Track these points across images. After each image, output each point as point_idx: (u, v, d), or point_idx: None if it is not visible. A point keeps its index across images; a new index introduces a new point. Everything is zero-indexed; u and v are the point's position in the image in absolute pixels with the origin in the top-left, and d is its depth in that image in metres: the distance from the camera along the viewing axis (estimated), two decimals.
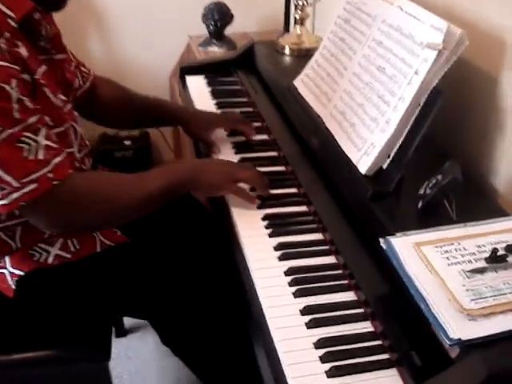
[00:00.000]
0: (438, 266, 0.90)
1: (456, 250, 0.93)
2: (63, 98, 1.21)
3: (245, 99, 1.70)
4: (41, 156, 1.03)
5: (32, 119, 1.03)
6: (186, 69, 1.86)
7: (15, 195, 1.02)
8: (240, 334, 1.17)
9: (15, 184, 1.01)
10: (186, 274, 1.28)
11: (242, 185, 1.23)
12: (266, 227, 1.16)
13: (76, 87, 1.36)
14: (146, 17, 2.52)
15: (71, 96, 1.31)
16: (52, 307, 1.24)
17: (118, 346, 1.94)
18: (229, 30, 2.35)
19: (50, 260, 1.23)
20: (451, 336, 0.78)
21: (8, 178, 1.01)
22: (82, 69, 1.44)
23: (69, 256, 1.25)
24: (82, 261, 1.25)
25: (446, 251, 0.92)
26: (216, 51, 2.27)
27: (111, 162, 2.59)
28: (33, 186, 1.02)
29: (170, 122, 1.62)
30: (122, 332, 1.98)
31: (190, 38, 2.46)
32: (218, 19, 2.26)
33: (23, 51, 1.06)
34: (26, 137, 1.02)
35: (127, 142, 2.61)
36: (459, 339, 0.78)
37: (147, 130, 2.67)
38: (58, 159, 1.06)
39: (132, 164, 2.60)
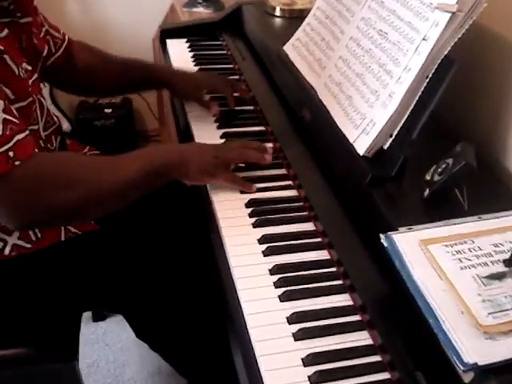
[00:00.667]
0: (448, 269, 0.76)
1: (470, 249, 0.79)
2: (28, 67, 1.06)
3: (230, 66, 1.55)
4: None
5: None
6: (167, 32, 1.70)
7: None
8: (218, 328, 1.05)
9: None
10: (161, 265, 1.16)
11: None
12: (250, 215, 1.02)
13: (45, 55, 1.21)
14: None
15: (38, 65, 1.16)
16: (10, 303, 1.11)
17: (95, 331, 1.83)
18: None
19: (7, 251, 1.09)
20: (465, 360, 0.66)
21: None
22: (55, 34, 1.28)
23: (28, 246, 1.11)
24: (44, 251, 1.12)
25: (458, 251, 0.79)
26: (202, 12, 2.10)
27: (91, 132, 2.44)
28: None
29: (156, 84, 1.46)
30: (100, 316, 1.86)
31: None
32: None
33: None
34: None
35: (108, 110, 2.46)
36: (475, 364, 0.65)
37: (130, 96, 2.52)
38: (20, 136, 0.91)
39: (113, 134, 2.45)
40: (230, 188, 1.08)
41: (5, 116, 0.89)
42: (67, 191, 0.95)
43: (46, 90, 2.25)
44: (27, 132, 0.93)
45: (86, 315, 1.82)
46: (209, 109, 1.33)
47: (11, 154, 0.88)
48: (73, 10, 2.42)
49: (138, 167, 1.01)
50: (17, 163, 0.89)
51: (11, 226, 0.99)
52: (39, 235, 1.11)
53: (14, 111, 0.93)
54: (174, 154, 1.08)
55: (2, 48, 0.96)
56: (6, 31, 0.99)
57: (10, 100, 0.96)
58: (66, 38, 1.32)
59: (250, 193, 1.07)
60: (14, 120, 0.91)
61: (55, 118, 1.20)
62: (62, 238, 1.14)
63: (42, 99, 1.12)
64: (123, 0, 2.41)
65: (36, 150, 0.94)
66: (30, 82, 1.06)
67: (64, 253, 1.13)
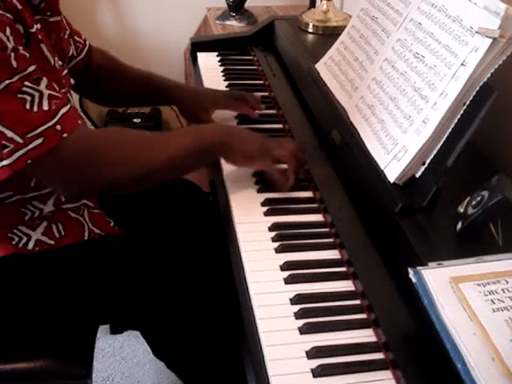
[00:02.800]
0: (479, 311, 0.72)
1: (503, 290, 0.75)
2: (59, 62, 1.07)
3: (260, 82, 1.52)
4: (45, 107, 0.91)
5: (31, 68, 0.90)
6: (198, 44, 1.67)
7: (20, 153, 0.89)
8: (234, 353, 1.02)
9: (19, 140, 0.89)
10: (183, 279, 1.13)
11: None
12: (274, 240, 0.98)
13: (70, 56, 1.22)
14: None
15: (66, 65, 1.17)
16: (25, 303, 1.10)
17: (112, 344, 1.81)
18: (250, 3, 2.15)
19: (30, 246, 1.09)
20: None
21: (10, 134, 0.89)
22: (76, 38, 1.29)
23: (51, 242, 1.11)
24: (67, 249, 1.11)
25: (491, 292, 0.74)
26: (234, 26, 2.08)
27: None
28: (39, 141, 0.90)
29: (164, 100, 1.46)
30: (118, 329, 1.83)
31: (207, 11, 2.27)
32: None
33: (16, 3, 0.93)
34: (27, 86, 0.89)
35: (136, 120, 2.44)
36: None
37: (159, 107, 2.50)
38: (64, 109, 0.93)
39: None
40: (252, 210, 1.05)
41: (49, 92, 0.92)
42: (117, 165, 0.99)
43: (75, 97, 2.24)
44: (70, 105, 0.96)
45: (104, 327, 1.80)
46: None
47: (59, 127, 0.92)
48: (105, 20, 2.41)
49: (186, 144, 1.04)
50: (65, 135, 0.92)
51: (66, 195, 1.04)
52: (63, 233, 1.11)
53: (56, 86, 0.95)
54: (221, 132, 1.11)
55: (40, 37, 0.98)
56: (38, 26, 1.00)
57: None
58: (87, 43, 1.33)
59: (282, 191, 1.08)
60: (57, 94, 0.94)
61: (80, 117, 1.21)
62: (86, 238, 1.13)
63: (69, 96, 1.13)
64: (156, 10, 2.39)
65: (79, 122, 0.96)
66: (63, 75, 1.08)
67: (86, 253, 1.12)
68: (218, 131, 1.11)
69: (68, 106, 0.95)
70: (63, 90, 1.04)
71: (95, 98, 1.45)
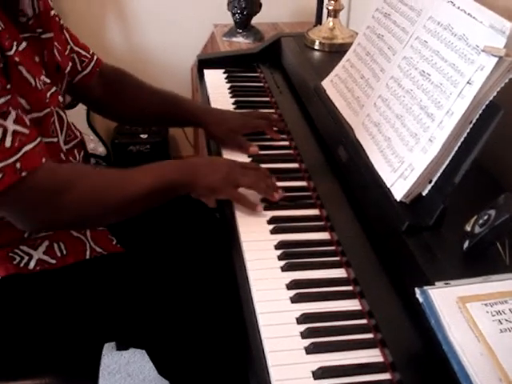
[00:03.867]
0: (487, 331, 0.71)
1: (510, 310, 0.74)
2: (46, 80, 1.06)
3: (267, 99, 1.52)
4: (8, 143, 0.90)
5: (0, 100, 0.90)
6: (204, 61, 1.68)
7: None
8: (240, 372, 1.01)
9: None
10: (188, 298, 1.13)
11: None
12: (280, 258, 0.98)
13: (68, 72, 1.21)
14: (168, 3, 2.35)
15: (63, 81, 1.17)
16: (28, 322, 1.09)
17: (118, 360, 1.80)
18: (256, 20, 2.17)
19: (32, 265, 1.09)
20: None
21: None
22: (82, 52, 1.28)
23: (53, 262, 1.11)
24: (68, 268, 1.11)
25: (498, 312, 0.74)
26: (241, 42, 2.10)
27: (125, 157, 2.44)
28: None
29: (189, 122, 1.45)
30: (124, 345, 1.82)
31: (214, 27, 2.28)
32: (245, 7, 2.08)
33: None
34: None
35: (144, 136, 2.46)
36: None
37: None
38: (28, 147, 0.93)
39: (148, 159, 2.43)
40: (259, 229, 1.04)
41: (15, 128, 0.92)
42: (75, 205, 0.98)
43: (82, 113, 2.26)
44: (37, 141, 0.95)
45: (110, 344, 1.80)
46: (247, 150, 1.28)
47: (18, 165, 0.91)
48: (113, 36, 2.43)
49: (147, 184, 1.03)
50: (24, 174, 0.91)
51: (24, 229, 1.02)
52: (64, 252, 1.11)
53: (27, 121, 0.95)
54: (183, 170, 1.10)
55: (18, 60, 0.97)
56: (24, 44, 1.00)
57: (25, 110, 0.97)
58: (95, 57, 1.32)
59: (255, 212, 1.08)
60: (24, 131, 0.93)
61: (77, 133, 1.21)
62: (87, 257, 1.13)
63: (61, 113, 1.13)
64: (163, 27, 2.41)
65: (43, 160, 0.95)
66: (48, 94, 1.07)
67: (88, 272, 1.12)
68: (179, 169, 1.10)
69: (34, 143, 0.94)
70: (46, 111, 1.03)
71: (108, 115, 1.44)
